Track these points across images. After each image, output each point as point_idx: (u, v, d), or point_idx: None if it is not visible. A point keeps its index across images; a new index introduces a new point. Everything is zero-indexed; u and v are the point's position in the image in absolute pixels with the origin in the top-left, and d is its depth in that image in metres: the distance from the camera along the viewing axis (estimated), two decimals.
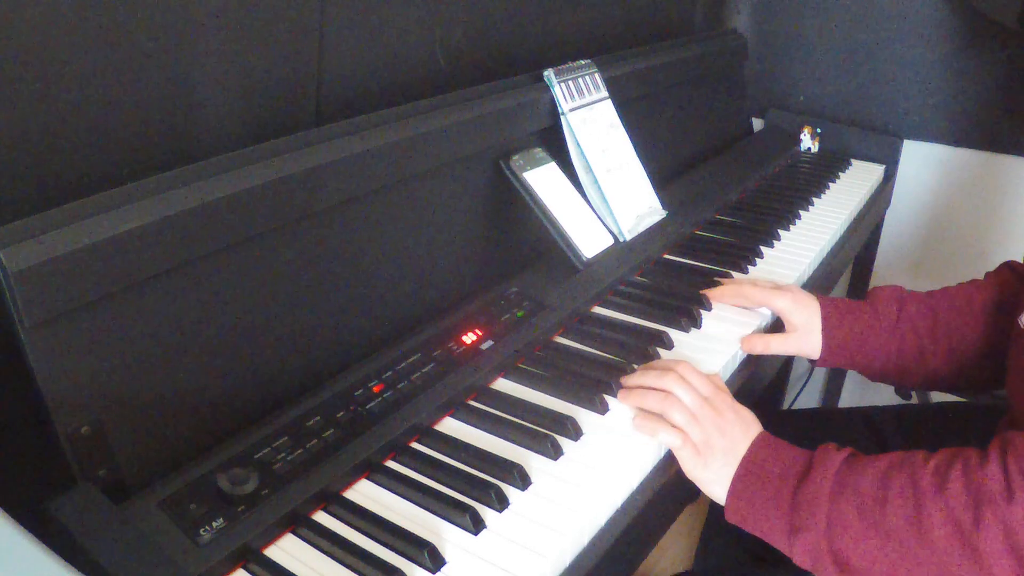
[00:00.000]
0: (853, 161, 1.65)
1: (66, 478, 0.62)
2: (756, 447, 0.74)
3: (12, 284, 0.57)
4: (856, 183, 1.54)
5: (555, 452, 0.73)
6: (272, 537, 0.63)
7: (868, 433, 1.08)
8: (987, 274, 0.98)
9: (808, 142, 1.72)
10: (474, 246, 1.01)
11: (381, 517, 0.65)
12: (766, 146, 1.67)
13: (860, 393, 1.85)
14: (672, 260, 1.16)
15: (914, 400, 1.37)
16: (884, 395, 1.36)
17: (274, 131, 0.86)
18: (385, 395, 0.77)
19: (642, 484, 0.74)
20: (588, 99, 1.14)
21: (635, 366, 0.86)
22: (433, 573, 0.61)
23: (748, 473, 0.72)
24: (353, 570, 0.60)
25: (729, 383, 0.90)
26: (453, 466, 0.71)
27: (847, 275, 1.77)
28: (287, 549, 0.63)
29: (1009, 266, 0.97)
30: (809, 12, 1.69)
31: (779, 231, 1.27)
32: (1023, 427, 0.72)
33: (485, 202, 1.02)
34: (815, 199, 1.42)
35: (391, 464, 0.72)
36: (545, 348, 0.91)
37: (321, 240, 0.81)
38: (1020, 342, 0.78)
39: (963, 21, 1.51)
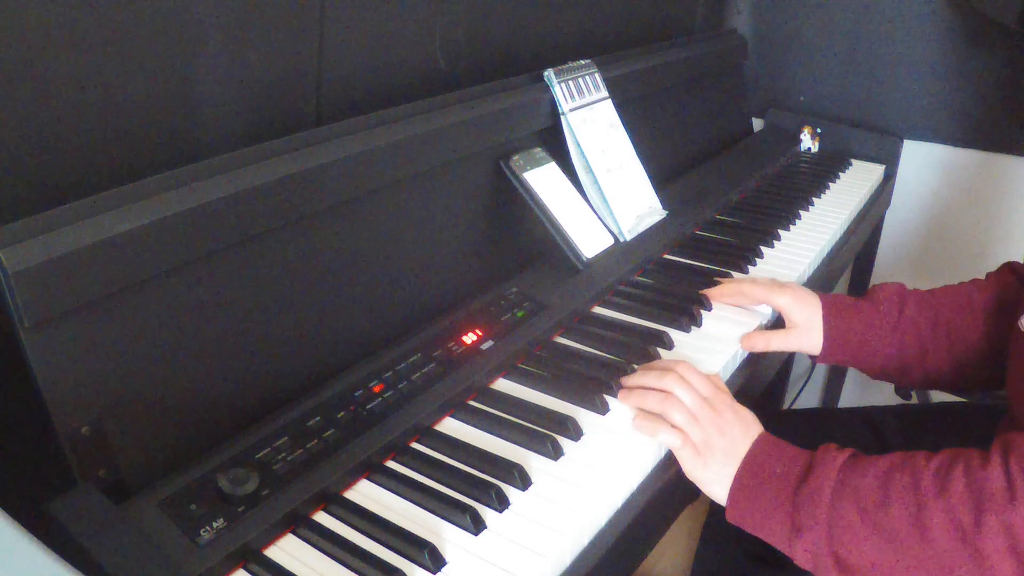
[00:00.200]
0: (853, 161, 1.65)
1: (66, 478, 0.62)
2: (756, 447, 0.74)
3: (12, 284, 0.57)
4: (856, 183, 1.54)
5: (555, 452, 0.73)
6: (272, 537, 0.63)
7: (868, 433, 1.08)
8: (988, 274, 0.98)
9: (808, 142, 1.72)
10: (474, 246, 1.01)
11: (381, 517, 0.65)
12: (766, 146, 1.67)
13: (860, 393, 1.85)
14: (672, 260, 1.16)
15: (914, 400, 1.37)
16: (884, 395, 1.37)
17: (274, 131, 0.86)
18: (385, 395, 0.77)
19: (642, 484, 0.74)
20: (588, 99, 1.14)
21: (635, 366, 0.86)
22: (433, 573, 0.61)
23: (748, 473, 0.72)
24: (353, 570, 0.60)
25: (729, 383, 0.90)
26: (453, 466, 0.71)
27: (847, 275, 1.77)
28: (287, 549, 0.63)
29: (1010, 267, 0.97)
30: (809, 12, 1.69)
31: (779, 231, 1.27)
32: (1023, 428, 0.72)
33: (485, 202, 1.02)
34: (815, 199, 1.42)
35: (391, 464, 0.72)
36: (545, 348, 0.91)
37: (321, 240, 0.81)
38: (1020, 344, 0.78)
39: (963, 21, 1.51)
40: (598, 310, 1.01)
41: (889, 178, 1.64)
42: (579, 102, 1.12)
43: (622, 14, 1.48)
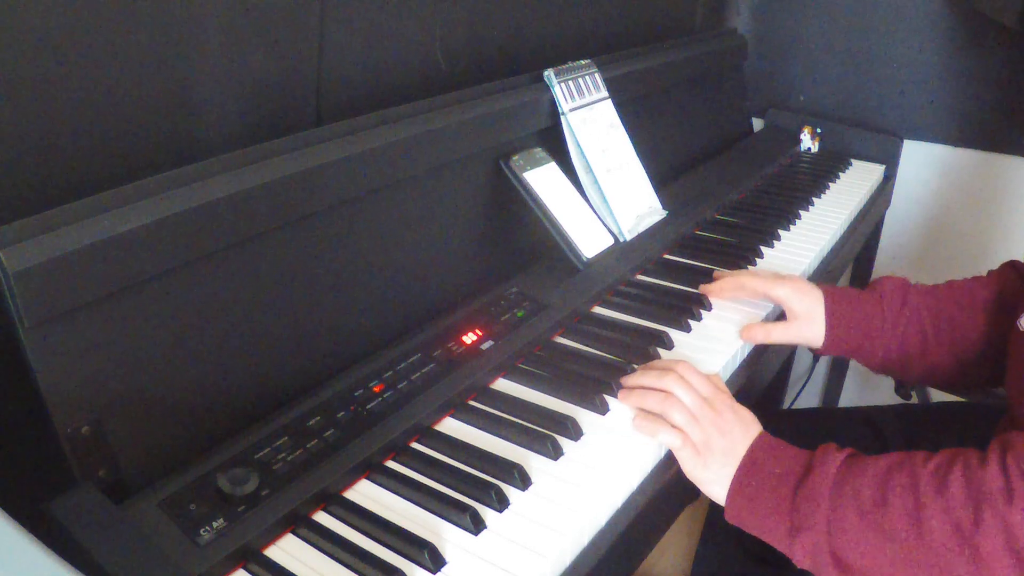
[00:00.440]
0: (853, 161, 1.66)
1: (66, 478, 0.62)
2: (756, 447, 0.74)
3: (12, 284, 0.57)
4: (856, 183, 1.54)
5: (555, 452, 0.73)
6: (272, 537, 0.63)
7: (868, 433, 1.08)
8: (990, 272, 0.98)
9: (808, 142, 1.72)
10: (474, 246, 1.01)
11: (381, 517, 0.65)
12: (766, 146, 1.67)
13: (860, 393, 1.85)
14: (672, 260, 1.16)
15: (914, 400, 1.37)
16: (884, 395, 1.36)
17: (274, 131, 0.86)
18: (385, 395, 0.77)
19: (642, 484, 0.74)
20: (588, 99, 1.14)
21: (635, 366, 0.86)
22: (433, 573, 0.61)
23: (748, 473, 0.72)
24: (353, 570, 0.60)
25: (729, 383, 0.90)
26: (453, 466, 0.71)
27: (847, 275, 1.77)
28: (287, 549, 0.63)
29: (1012, 265, 0.97)
30: (809, 12, 1.69)
31: (779, 231, 1.27)
32: (1023, 427, 0.72)
33: (485, 202, 1.02)
34: (815, 199, 1.42)
35: (391, 464, 0.72)
36: (545, 348, 0.91)
37: (321, 240, 0.81)
38: (1020, 344, 0.78)
39: (963, 21, 1.51)
40: (598, 310, 1.01)
41: (889, 178, 1.64)
42: (579, 102, 1.12)
43: (622, 14, 1.48)
